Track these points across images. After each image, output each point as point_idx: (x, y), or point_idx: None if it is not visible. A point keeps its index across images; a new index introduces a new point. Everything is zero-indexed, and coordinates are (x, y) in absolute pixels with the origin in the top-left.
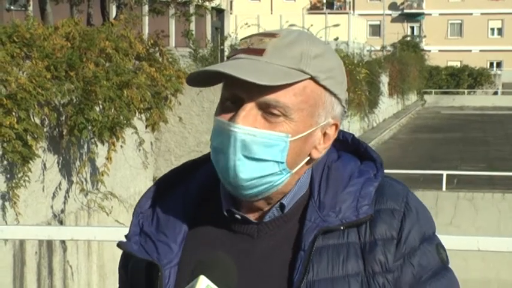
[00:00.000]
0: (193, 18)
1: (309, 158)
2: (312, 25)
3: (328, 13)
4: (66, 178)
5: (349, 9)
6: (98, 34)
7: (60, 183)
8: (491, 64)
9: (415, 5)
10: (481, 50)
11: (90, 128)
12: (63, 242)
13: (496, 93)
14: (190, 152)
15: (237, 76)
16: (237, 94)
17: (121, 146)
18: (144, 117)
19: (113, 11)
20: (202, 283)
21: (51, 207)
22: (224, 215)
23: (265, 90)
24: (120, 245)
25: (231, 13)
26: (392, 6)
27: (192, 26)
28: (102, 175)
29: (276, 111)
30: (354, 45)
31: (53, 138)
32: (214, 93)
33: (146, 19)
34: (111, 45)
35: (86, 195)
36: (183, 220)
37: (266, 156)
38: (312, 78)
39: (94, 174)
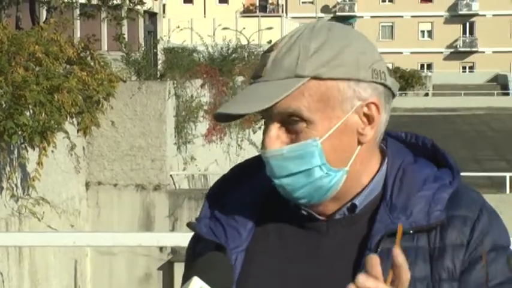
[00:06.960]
0: (125, 22)
1: (360, 146)
2: (244, 28)
3: (261, 16)
4: None
5: (282, 12)
6: (27, 38)
7: None
8: (422, 66)
9: (346, 7)
10: (411, 52)
11: (20, 133)
12: None
13: (427, 94)
14: (123, 156)
15: (228, 113)
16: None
17: (52, 151)
18: (75, 122)
19: (43, 14)
20: (195, 284)
21: None
22: (292, 209)
23: (276, 106)
24: (189, 225)
25: (164, 17)
26: (325, 9)
27: (125, 30)
28: (33, 180)
29: (294, 118)
30: None
31: None
32: (147, 97)
33: (78, 23)
34: (41, 49)
35: (17, 200)
36: (252, 209)
37: (304, 167)
38: (313, 78)
39: (25, 180)
